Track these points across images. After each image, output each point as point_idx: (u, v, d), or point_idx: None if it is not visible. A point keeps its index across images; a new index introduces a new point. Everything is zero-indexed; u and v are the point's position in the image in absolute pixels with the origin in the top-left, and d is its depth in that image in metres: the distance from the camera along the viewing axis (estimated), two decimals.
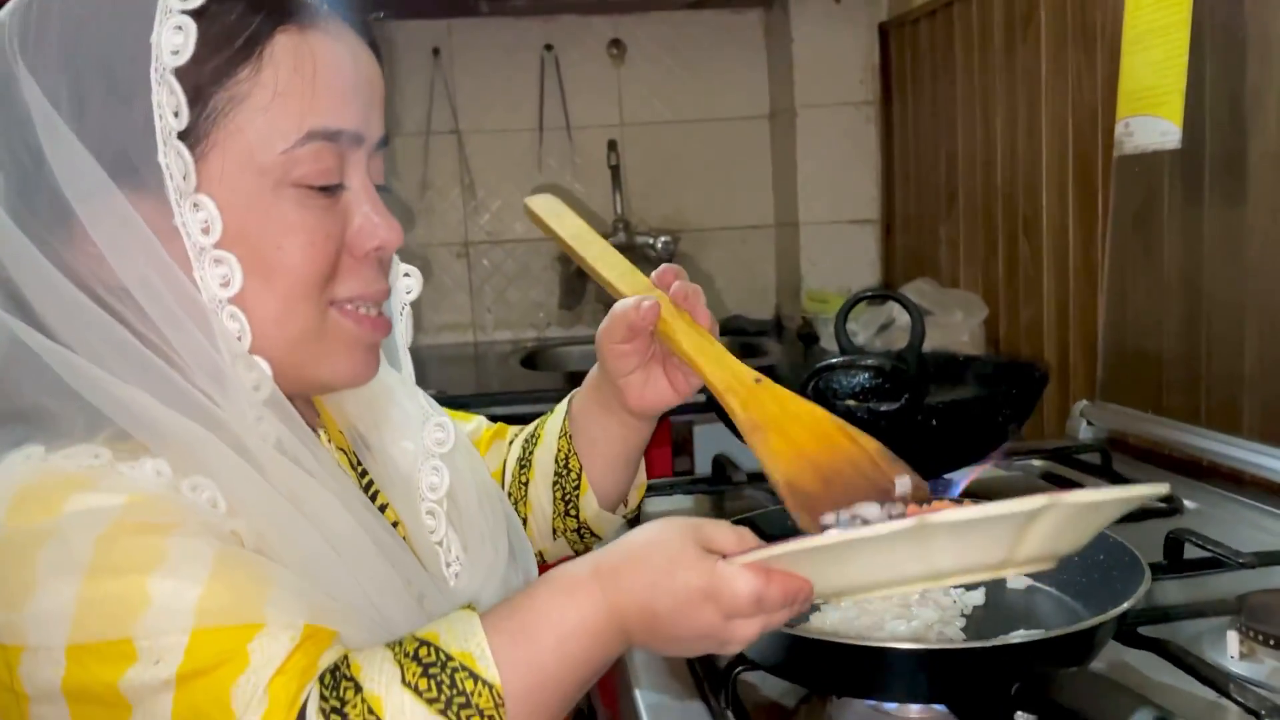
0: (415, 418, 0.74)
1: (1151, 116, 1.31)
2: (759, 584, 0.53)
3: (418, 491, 0.72)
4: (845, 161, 2.32)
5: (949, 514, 0.49)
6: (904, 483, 0.66)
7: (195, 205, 0.57)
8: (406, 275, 0.73)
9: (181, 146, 0.57)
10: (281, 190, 0.60)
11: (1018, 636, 0.67)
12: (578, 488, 0.81)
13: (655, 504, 1.17)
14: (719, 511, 1.19)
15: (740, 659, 0.69)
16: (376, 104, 0.65)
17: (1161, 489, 0.54)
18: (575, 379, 2.38)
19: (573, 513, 0.82)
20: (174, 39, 0.56)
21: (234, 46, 0.58)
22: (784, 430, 0.69)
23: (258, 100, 0.58)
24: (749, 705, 0.70)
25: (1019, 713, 0.51)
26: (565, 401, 0.84)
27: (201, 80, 0.57)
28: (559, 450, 0.81)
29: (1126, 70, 1.34)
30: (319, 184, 0.61)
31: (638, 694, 0.75)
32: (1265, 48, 1.15)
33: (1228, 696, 0.61)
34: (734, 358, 0.72)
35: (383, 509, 0.70)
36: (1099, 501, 0.52)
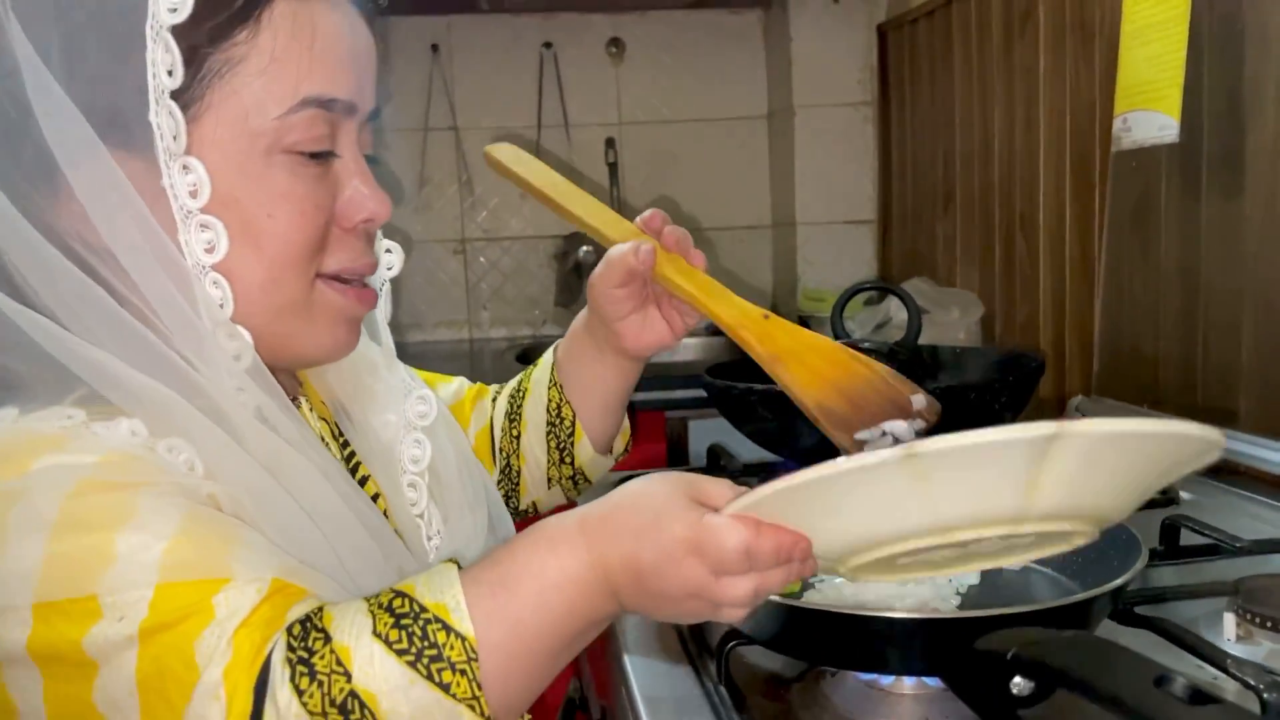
0: (397, 391, 0.74)
1: (1150, 111, 1.31)
2: (748, 535, 0.50)
3: (399, 464, 0.71)
4: (843, 161, 2.32)
5: (941, 439, 0.44)
6: (919, 399, 0.69)
7: (185, 167, 0.57)
8: (388, 251, 0.73)
9: (174, 106, 0.56)
10: (273, 157, 0.59)
11: (1012, 607, 0.67)
12: (572, 435, 0.83)
13: None
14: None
15: (733, 633, 0.68)
16: (370, 75, 0.65)
17: (1212, 433, 0.45)
18: None
19: (568, 460, 0.84)
20: None
21: (233, 8, 0.58)
22: (802, 359, 0.71)
23: (254, 64, 0.58)
24: (742, 681, 0.70)
25: (1016, 678, 0.51)
26: (550, 353, 0.86)
27: (198, 40, 0.57)
28: (550, 400, 0.83)
29: (1125, 65, 1.35)
30: (311, 151, 0.60)
31: (629, 669, 0.75)
32: (1263, 41, 1.15)
33: (1226, 672, 0.61)
34: (736, 296, 0.74)
35: (364, 481, 0.70)
36: (1122, 433, 0.44)
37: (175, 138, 0.56)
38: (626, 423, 0.87)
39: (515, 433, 0.85)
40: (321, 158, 0.61)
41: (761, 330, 0.72)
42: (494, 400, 0.88)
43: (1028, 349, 1.53)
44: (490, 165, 0.81)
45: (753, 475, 1.16)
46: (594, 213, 0.79)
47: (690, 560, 0.52)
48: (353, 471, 0.70)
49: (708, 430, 1.62)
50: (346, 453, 0.71)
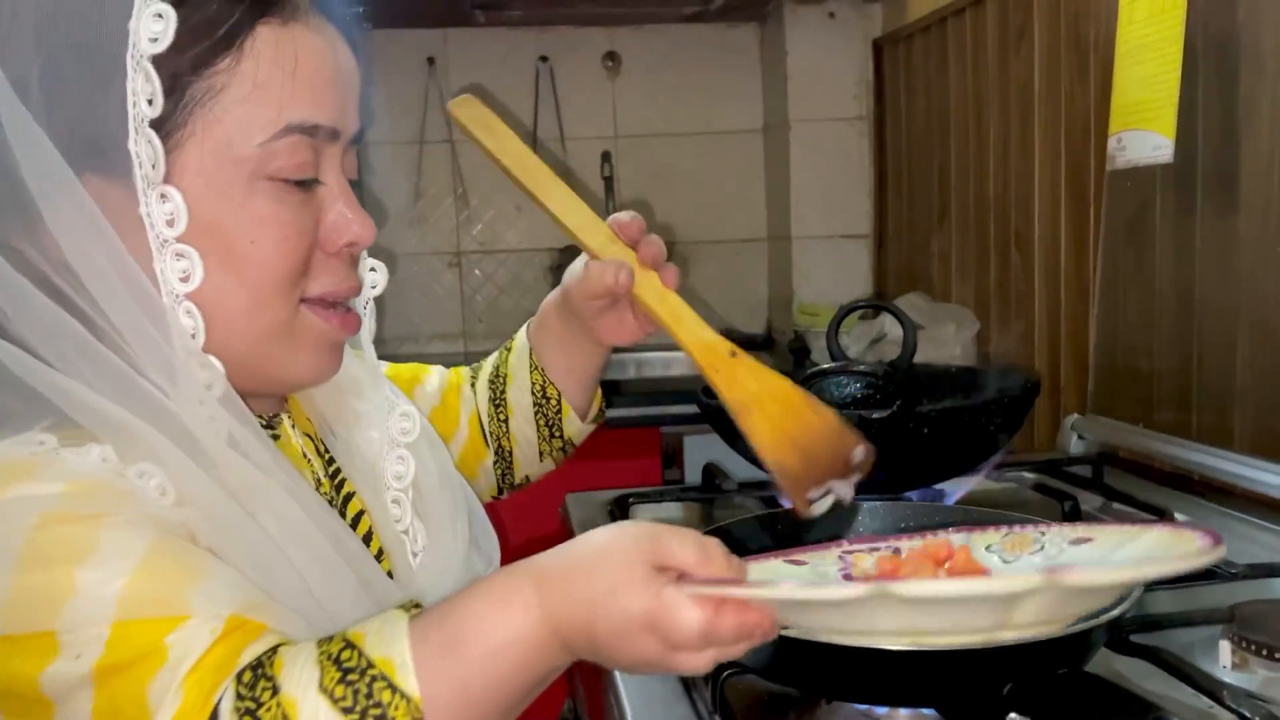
0: (381, 408, 0.74)
1: (1144, 131, 1.31)
2: (705, 618, 0.49)
3: (383, 480, 0.72)
4: (838, 176, 2.32)
5: (912, 585, 0.46)
6: (858, 452, 0.71)
7: (163, 196, 0.57)
8: (373, 270, 0.73)
9: (153, 135, 0.56)
10: (256, 183, 0.59)
11: (1007, 637, 0.67)
12: (559, 411, 0.87)
13: (645, 512, 1.17)
14: (709, 520, 1.18)
15: (728, 663, 0.68)
16: (354, 98, 0.65)
17: (1198, 560, 0.47)
18: None
19: (557, 434, 0.88)
20: (153, 26, 0.56)
21: (214, 37, 0.58)
22: (765, 409, 0.71)
23: (236, 92, 0.58)
24: (737, 705, 0.69)
25: (1012, 714, 0.50)
26: (523, 336, 0.89)
27: (180, 69, 0.57)
28: (533, 383, 0.86)
29: (1119, 84, 1.35)
30: (295, 178, 0.61)
31: (624, 698, 0.74)
32: (1257, 61, 1.15)
33: (1222, 704, 0.60)
34: (705, 324, 0.75)
35: (350, 498, 0.70)
36: (1094, 586, 0.46)
37: (154, 166, 0.56)
38: (599, 392, 0.92)
39: (502, 417, 0.88)
40: (305, 184, 0.61)
41: (729, 373, 0.73)
42: (473, 385, 0.90)
43: (1024, 369, 1.53)
44: (454, 121, 0.78)
45: (749, 493, 1.16)
46: (568, 210, 0.76)
47: (646, 635, 0.51)
48: (338, 488, 0.70)
49: (703, 446, 1.62)
50: (332, 469, 0.71)
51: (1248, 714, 0.58)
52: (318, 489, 0.68)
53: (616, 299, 0.78)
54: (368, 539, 0.70)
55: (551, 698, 1.29)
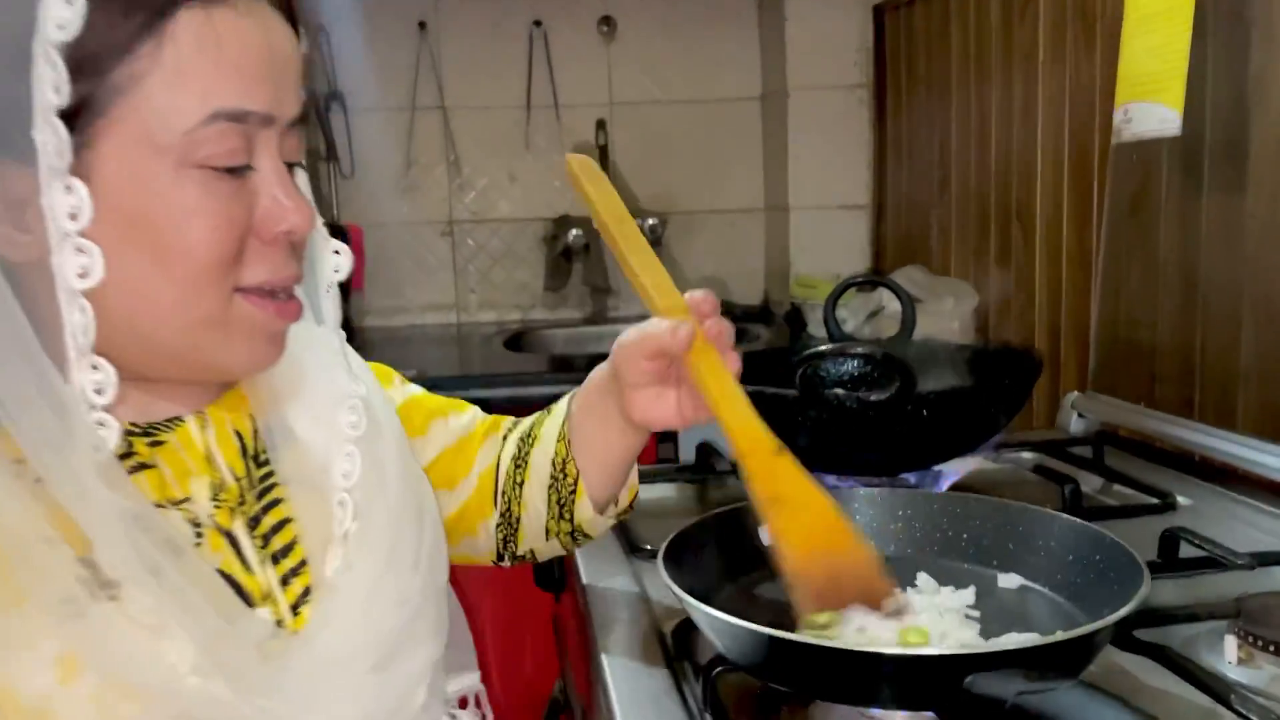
0: (335, 400, 0.70)
1: (1151, 103, 1.28)
2: None
3: (330, 480, 0.67)
4: (837, 145, 2.28)
5: None
6: (892, 603, 0.68)
7: (67, 188, 0.54)
8: (336, 253, 0.69)
9: (59, 124, 0.53)
10: (183, 171, 0.57)
11: (1011, 641, 0.65)
12: (574, 492, 0.78)
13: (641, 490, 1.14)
14: (701, 500, 1.16)
15: (720, 659, 0.66)
16: (291, 82, 0.61)
17: None
18: (560, 362, 2.34)
19: (567, 516, 0.80)
20: (61, 12, 0.53)
21: (133, 22, 0.55)
22: (796, 514, 0.68)
23: (158, 79, 0.55)
24: (728, 703, 0.67)
25: None
26: (565, 402, 0.82)
27: (98, 55, 0.54)
28: (556, 454, 0.79)
29: (1126, 55, 1.31)
30: (224, 165, 0.58)
31: (612, 692, 0.72)
32: (1269, 32, 1.12)
33: (1229, 707, 0.59)
34: (757, 416, 0.70)
35: (274, 505, 0.65)
36: None
37: (59, 155, 0.54)
38: (635, 480, 0.82)
39: (519, 479, 0.81)
40: (237, 171, 0.59)
41: (769, 466, 0.69)
42: (505, 438, 0.84)
43: (1025, 348, 1.50)
44: (568, 175, 0.77)
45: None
46: (647, 267, 0.74)
47: None
48: (263, 494, 0.65)
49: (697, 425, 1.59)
50: (262, 474, 0.66)
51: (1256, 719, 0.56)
52: (217, 495, 0.63)
53: (670, 359, 0.71)
54: (288, 550, 0.64)
55: (543, 679, 1.28)
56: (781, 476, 0.69)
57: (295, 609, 0.63)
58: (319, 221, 0.65)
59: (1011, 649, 0.56)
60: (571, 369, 1.98)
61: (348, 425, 0.69)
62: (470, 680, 0.79)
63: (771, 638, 0.60)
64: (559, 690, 1.18)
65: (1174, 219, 1.29)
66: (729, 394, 0.70)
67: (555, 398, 0.83)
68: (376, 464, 0.69)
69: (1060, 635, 0.58)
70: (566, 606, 1.13)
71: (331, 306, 0.69)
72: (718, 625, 0.63)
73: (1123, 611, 0.59)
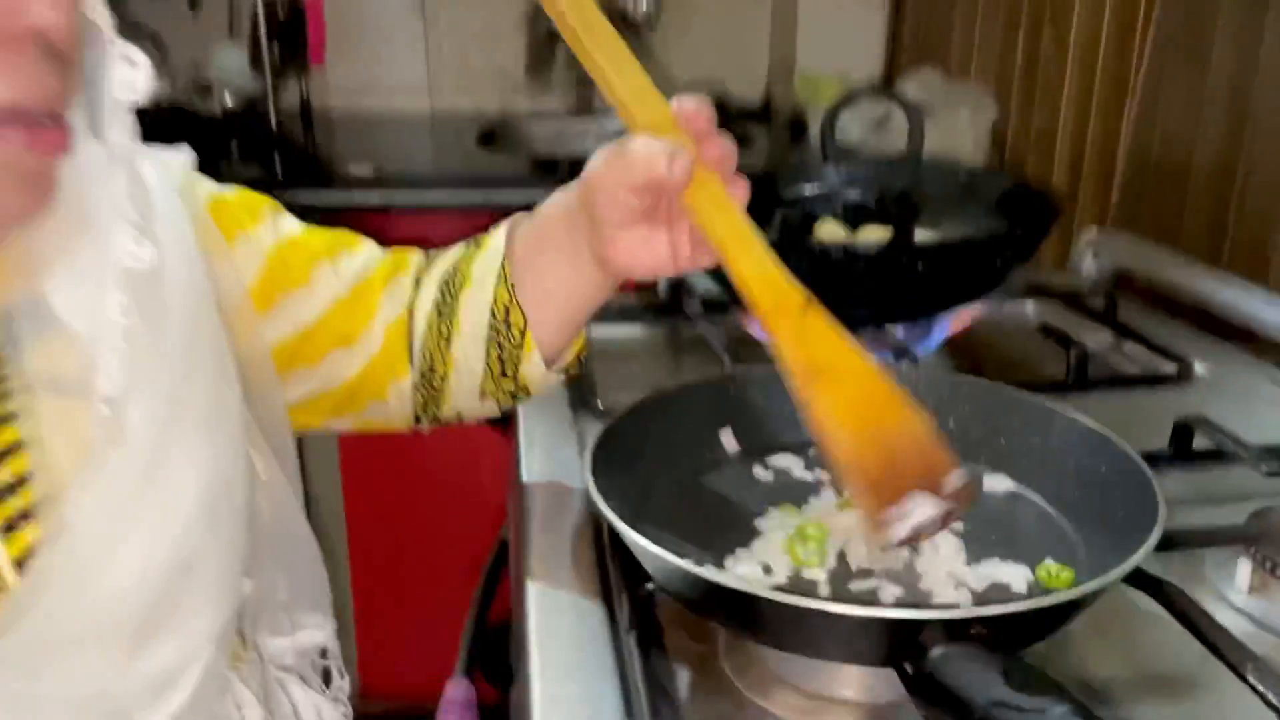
0: (111, 272, 0.53)
1: None
2: None
3: (94, 386, 0.51)
4: None
5: None
6: (954, 479, 0.55)
7: None
8: (129, 62, 0.51)
9: None
10: None
11: (984, 581, 0.56)
12: (520, 346, 0.65)
13: (602, 331, 1.03)
14: (674, 344, 1.06)
15: (654, 588, 0.57)
16: None
17: None
18: (540, 165, 2.16)
19: (510, 373, 0.66)
20: None
21: None
22: (840, 385, 0.55)
23: None
24: (664, 614, 0.59)
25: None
26: (500, 235, 0.66)
27: None
28: (496, 300, 0.64)
29: None
30: None
31: (530, 598, 0.63)
32: None
33: (1244, 679, 0.49)
34: (776, 259, 0.56)
35: (2, 422, 0.49)
36: None
37: None
38: (584, 332, 0.68)
39: (444, 331, 0.67)
40: None
41: (798, 327, 0.55)
42: (417, 281, 0.69)
43: (1042, 188, 1.35)
44: None
45: (713, 319, 1.02)
46: (621, 67, 0.57)
47: None
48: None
49: None
50: None
51: (1276, 702, 0.47)
52: None
53: (662, 195, 0.57)
54: (15, 487, 0.49)
55: (488, 526, 1.21)
56: (815, 340, 0.55)
57: (20, 564, 0.48)
58: (97, 13, 0.49)
59: (986, 615, 0.46)
60: (554, 172, 1.82)
61: (116, 307, 0.51)
62: (317, 634, 0.67)
63: (708, 583, 0.50)
64: (505, 532, 1.10)
65: (1230, 37, 1.12)
66: (740, 234, 0.56)
67: (531, 207, 0.67)
68: (158, 358, 0.52)
69: (1044, 600, 0.48)
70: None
71: (125, 137, 0.52)
72: (649, 557, 0.53)
73: (1126, 566, 0.49)
